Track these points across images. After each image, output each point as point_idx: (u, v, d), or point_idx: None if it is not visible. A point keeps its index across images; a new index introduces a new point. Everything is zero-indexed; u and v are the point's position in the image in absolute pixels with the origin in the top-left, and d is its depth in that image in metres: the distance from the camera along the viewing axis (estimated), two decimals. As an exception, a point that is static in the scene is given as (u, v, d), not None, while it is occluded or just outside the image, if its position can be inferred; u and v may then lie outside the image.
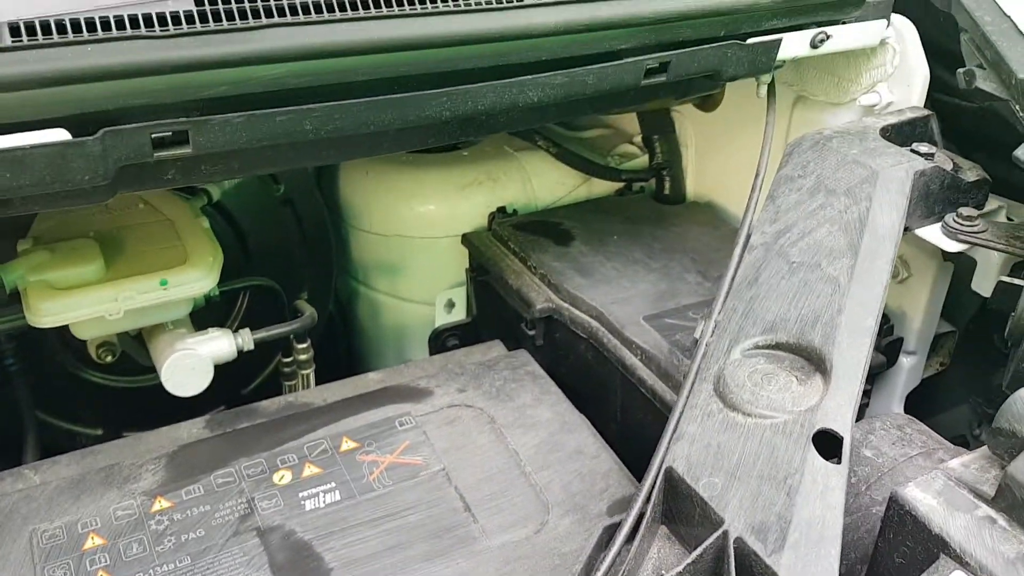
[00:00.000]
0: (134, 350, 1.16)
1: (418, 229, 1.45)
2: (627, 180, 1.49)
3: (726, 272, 0.89)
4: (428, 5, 0.81)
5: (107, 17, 0.70)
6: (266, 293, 1.33)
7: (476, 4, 0.82)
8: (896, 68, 1.11)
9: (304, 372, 1.27)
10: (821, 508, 0.68)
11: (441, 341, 1.41)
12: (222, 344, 1.06)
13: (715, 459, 0.74)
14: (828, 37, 1.02)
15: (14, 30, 0.68)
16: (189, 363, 1.02)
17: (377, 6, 0.79)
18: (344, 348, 1.65)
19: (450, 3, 0.81)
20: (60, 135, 0.69)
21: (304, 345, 1.25)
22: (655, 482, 0.75)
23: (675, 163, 1.49)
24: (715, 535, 0.69)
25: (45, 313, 0.95)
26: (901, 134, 1.04)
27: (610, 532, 0.78)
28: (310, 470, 0.99)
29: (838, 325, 0.80)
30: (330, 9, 0.76)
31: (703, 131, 1.47)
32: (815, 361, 0.79)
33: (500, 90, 0.84)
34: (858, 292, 0.82)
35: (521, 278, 1.28)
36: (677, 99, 1.04)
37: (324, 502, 0.96)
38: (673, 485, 0.74)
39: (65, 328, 1.25)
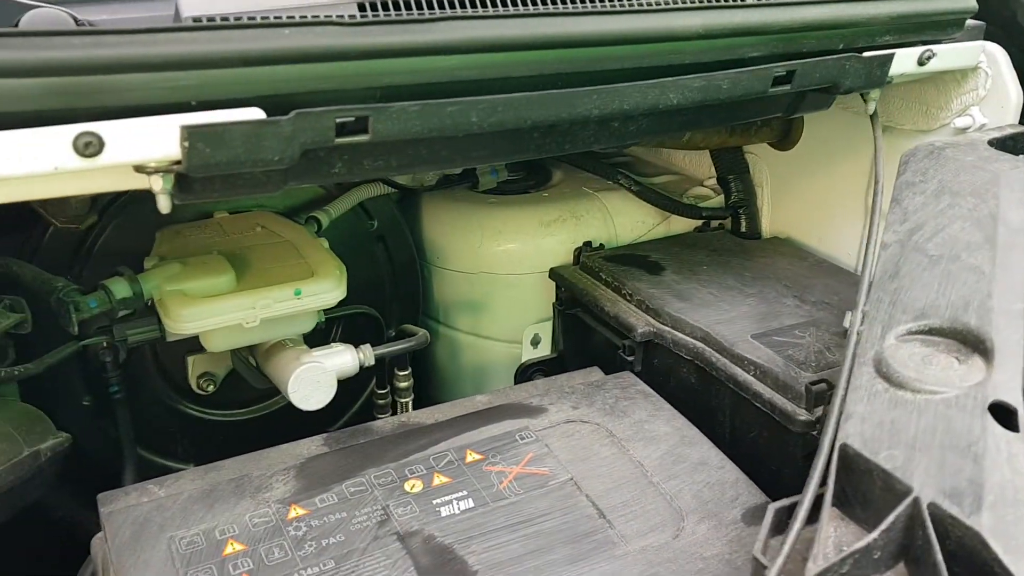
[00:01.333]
0: (246, 371, 1.16)
1: (503, 266, 1.47)
2: (706, 217, 1.52)
3: (863, 268, 0.90)
4: (588, 4, 0.85)
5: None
6: (363, 322, 1.34)
7: (630, 5, 0.86)
8: (988, 91, 1.16)
9: (403, 400, 1.27)
10: (1011, 473, 0.68)
11: (528, 376, 1.41)
12: (346, 359, 1.06)
13: (890, 434, 0.74)
14: (934, 55, 1.06)
15: (239, 18, 0.71)
16: (315, 376, 1.02)
17: (544, 3, 0.82)
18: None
19: (607, 3, 0.85)
20: (256, 113, 0.71)
21: (405, 372, 1.25)
22: (828, 461, 0.75)
23: (751, 201, 1.52)
24: (904, 503, 0.69)
25: (186, 320, 0.96)
26: (1006, 147, 1.08)
27: (781, 515, 0.77)
28: (439, 480, 0.99)
29: (991, 308, 0.81)
30: (503, 4, 0.80)
31: (777, 171, 1.51)
32: (972, 343, 0.80)
33: (644, 90, 0.87)
34: (1004, 278, 0.84)
35: (617, 306, 1.29)
36: (786, 115, 1.08)
37: (459, 509, 0.95)
38: (848, 462, 0.74)
39: (164, 358, 1.26)
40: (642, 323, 1.24)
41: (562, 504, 0.96)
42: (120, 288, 0.98)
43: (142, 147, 0.68)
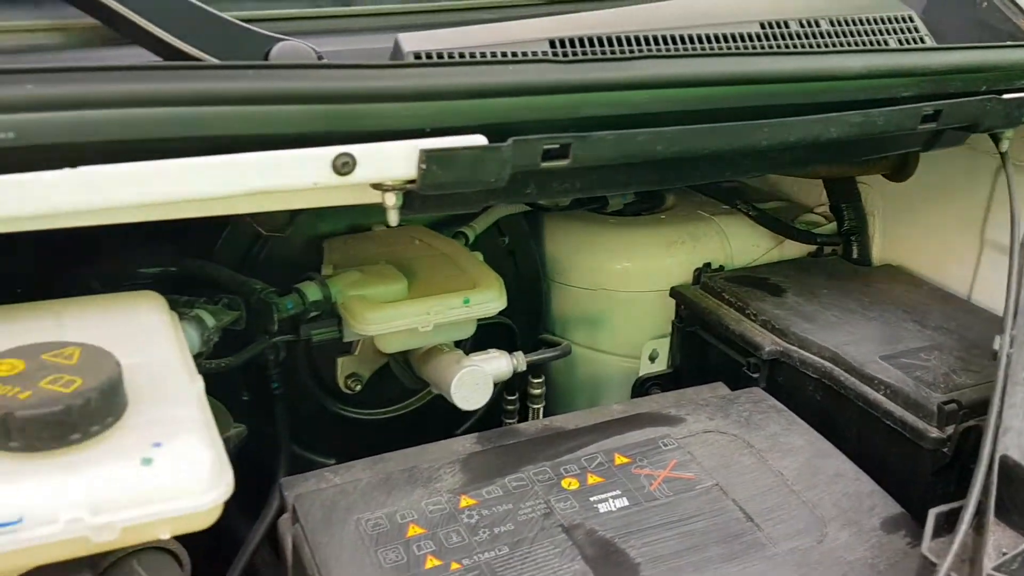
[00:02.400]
0: (402, 372, 1.25)
1: (623, 284, 1.54)
2: (820, 243, 1.59)
3: (1008, 291, 0.96)
4: (760, 44, 0.93)
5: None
6: (496, 332, 1.42)
7: (800, 47, 0.94)
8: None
9: (535, 406, 1.35)
10: None
11: (645, 390, 1.49)
12: (501, 363, 1.15)
13: (1048, 448, 0.80)
14: (1068, 98, 1.12)
15: (451, 53, 0.80)
16: (475, 379, 1.11)
17: (721, 42, 0.91)
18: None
19: (781, 44, 0.93)
20: (480, 140, 0.80)
21: (539, 380, 1.33)
22: (988, 471, 0.81)
23: (863, 229, 1.58)
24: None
25: (371, 322, 1.05)
26: None
27: (941, 519, 0.83)
28: (593, 479, 1.06)
29: None
30: (691, 43, 0.89)
31: (890, 200, 1.57)
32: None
33: (810, 124, 0.95)
34: None
35: (742, 325, 1.36)
36: (923, 150, 1.14)
37: (615, 506, 1.02)
38: (1008, 472, 0.80)
39: (315, 357, 1.35)
40: (768, 342, 1.31)
41: (710, 507, 1.03)
42: (312, 291, 1.08)
43: (386, 167, 0.78)
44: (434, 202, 0.85)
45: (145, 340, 0.75)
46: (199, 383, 0.74)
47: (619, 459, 1.10)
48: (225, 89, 0.74)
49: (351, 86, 0.77)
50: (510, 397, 1.40)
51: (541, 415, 1.37)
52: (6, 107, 0.64)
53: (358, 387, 1.34)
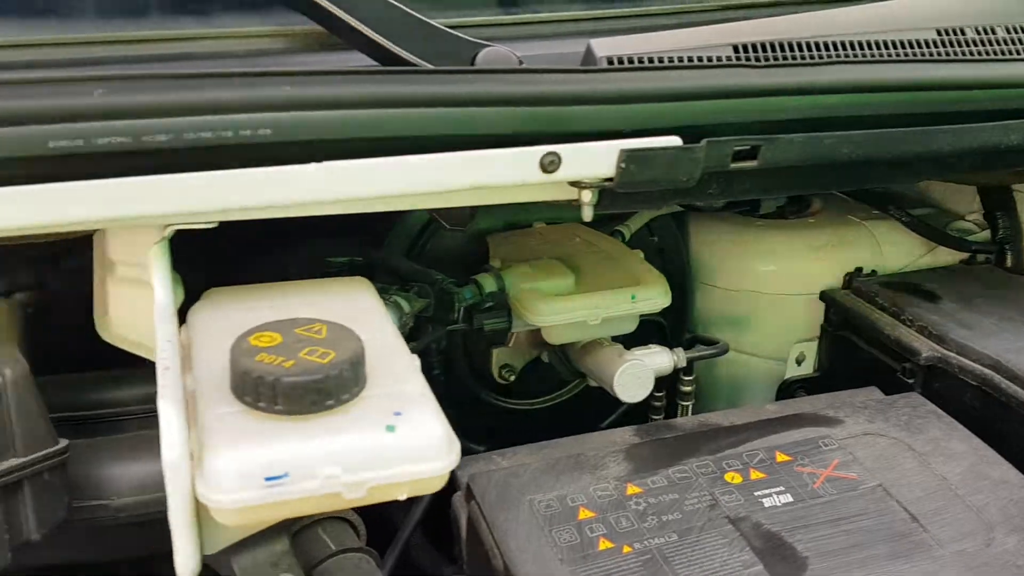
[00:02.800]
0: (560, 364, 1.30)
1: (770, 286, 1.55)
2: (974, 251, 1.57)
3: None
4: (937, 51, 0.94)
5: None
6: (648, 329, 1.45)
7: (976, 54, 0.95)
8: None
9: (685, 403, 1.37)
10: None
11: (791, 392, 1.50)
12: (663, 359, 1.18)
13: None
14: None
15: (641, 58, 0.84)
16: (637, 372, 1.15)
17: (900, 49, 0.92)
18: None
19: (957, 51, 0.94)
20: (675, 141, 0.84)
21: (690, 377, 1.36)
22: None
23: (1017, 238, 1.55)
24: None
25: (543, 314, 1.11)
26: None
27: None
28: (755, 475, 1.09)
29: None
30: (871, 48, 0.91)
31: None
32: None
33: (992, 131, 0.96)
34: None
35: (897, 330, 1.36)
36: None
37: (780, 502, 1.04)
38: None
39: (471, 348, 1.41)
40: (926, 348, 1.31)
41: (875, 507, 1.04)
42: (488, 283, 1.14)
43: (588, 166, 0.82)
44: (625, 200, 0.89)
45: (365, 321, 0.82)
46: (417, 361, 0.80)
47: (780, 456, 1.12)
48: (439, 93, 0.80)
49: (555, 90, 0.82)
50: (658, 394, 1.43)
51: (690, 412, 1.40)
52: (266, 106, 0.71)
53: (512, 377, 1.39)
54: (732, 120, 0.86)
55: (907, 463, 1.11)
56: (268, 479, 0.64)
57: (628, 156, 0.82)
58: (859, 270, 1.51)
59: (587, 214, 0.87)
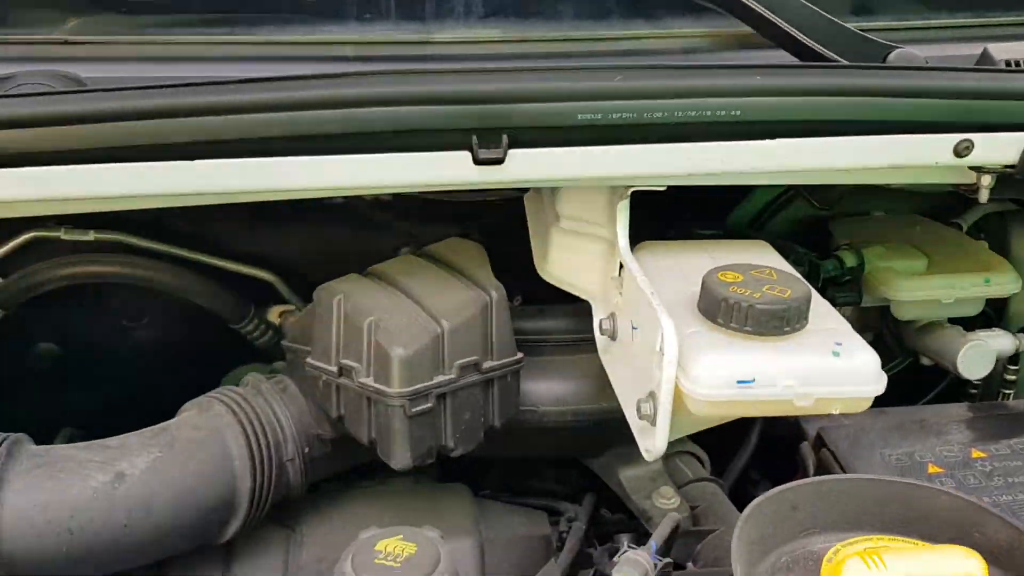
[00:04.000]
0: (892, 340, 1.41)
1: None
2: None
3: None
4: None
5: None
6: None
7: None
8: None
9: (1007, 391, 1.44)
10: None
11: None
12: (1006, 342, 1.28)
13: None
14: None
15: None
16: (981, 352, 1.25)
17: None
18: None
19: None
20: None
21: (1015, 367, 1.42)
22: None
23: None
24: None
25: (902, 290, 1.23)
26: None
27: None
28: (1103, 454, 1.16)
29: None
30: None
31: None
32: None
33: None
34: None
35: None
36: None
37: (1121, 478, 1.11)
38: None
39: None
40: None
41: None
42: (849, 259, 1.28)
43: (996, 153, 0.94)
44: (1017, 187, 1.00)
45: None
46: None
47: (1126, 441, 1.18)
48: (855, 84, 0.95)
49: (968, 85, 0.95)
50: (977, 380, 1.50)
51: (1011, 398, 1.47)
52: (737, 92, 0.89)
53: (837, 351, 1.51)
54: None
55: None
56: (739, 382, 0.81)
57: (1035, 148, 0.93)
58: None
59: (983, 196, 0.98)
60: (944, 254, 1.30)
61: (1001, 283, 1.24)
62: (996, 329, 1.30)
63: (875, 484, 0.81)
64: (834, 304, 1.24)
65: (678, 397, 0.84)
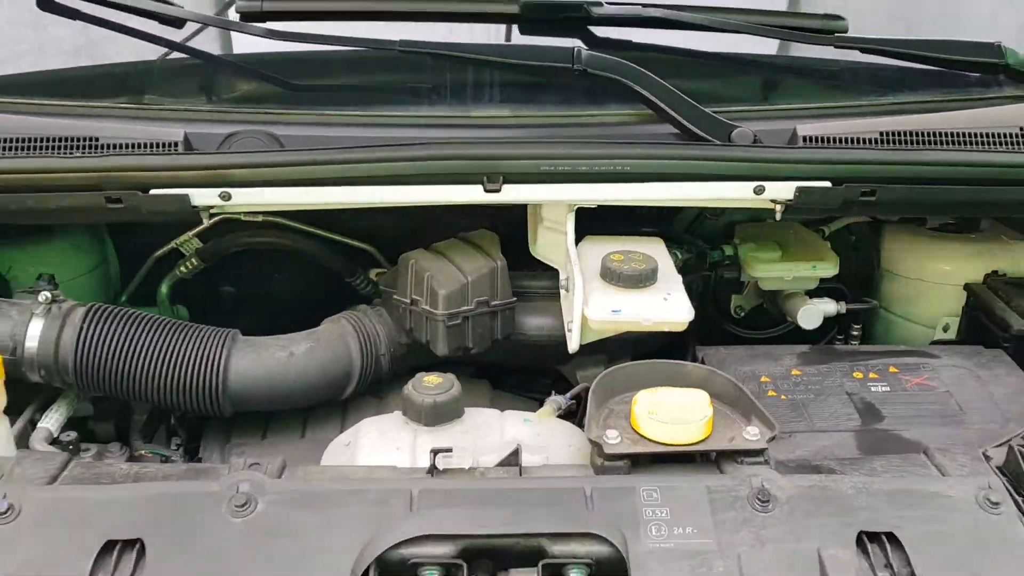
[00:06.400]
0: (770, 306, 2.14)
1: (935, 277, 2.26)
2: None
3: None
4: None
5: None
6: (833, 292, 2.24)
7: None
8: None
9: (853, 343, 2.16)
10: None
11: (936, 349, 2.22)
12: (830, 306, 2.00)
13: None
14: None
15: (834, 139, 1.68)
16: (812, 310, 1.99)
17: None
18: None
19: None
20: (827, 184, 1.67)
21: (859, 326, 2.14)
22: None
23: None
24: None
25: (759, 270, 1.98)
26: None
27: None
28: (872, 375, 1.87)
29: None
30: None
31: None
32: None
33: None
34: None
35: (1005, 312, 2.05)
36: None
37: (881, 389, 1.83)
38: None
39: (717, 292, 2.28)
40: (1016, 323, 1.99)
41: (939, 400, 1.79)
42: (729, 250, 2.01)
43: (781, 193, 1.67)
44: (800, 212, 1.73)
45: (660, 256, 1.72)
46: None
47: (891, 369, 1.89)
48: (700, 153, 1.68)
49: (764, 155, 1.68)
50: (839, 336, 2.22)
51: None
52: (629, 156, 1.64)
53: (742, 314, 2.25)
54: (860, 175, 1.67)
55: (971, 383, 1.84)
56: (612, 311, 1.57)
57: (800, 191, 1.65)
58: (995, 272, 2.19)
59: (778, 216, 1.71)
60: (796, 248, 2.03)
61: (824, 268, 1.97)
62: (826, 298, 2.02)
63: (667, 364, 1.55)
64: (720, 276, 1.99)
65: (584, 321, 1.61)
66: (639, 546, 1.25)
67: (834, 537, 1.26)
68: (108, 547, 1.24)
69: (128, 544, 1.25)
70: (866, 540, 1.27)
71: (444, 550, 1.24)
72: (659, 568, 1.22)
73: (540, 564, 1.23)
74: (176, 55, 2.07)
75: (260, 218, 2.08)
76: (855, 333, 2.17)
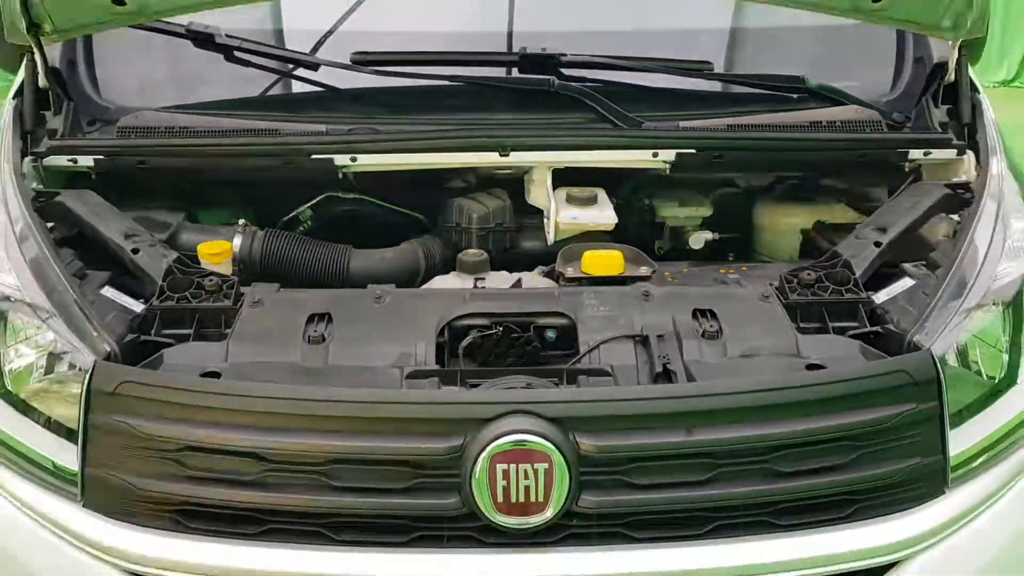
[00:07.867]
0: (676, 240, 3.42)
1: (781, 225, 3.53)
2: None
3: None
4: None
5: None
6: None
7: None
8: None
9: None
10: None
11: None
12: (707, 235, 3.27)
13: None
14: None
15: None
16: (697, 238, 3.26)
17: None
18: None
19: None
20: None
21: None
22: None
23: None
24: None
25: (666, 210, 3.26)
26: None
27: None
28: (730, 272, 3.13)
29: None
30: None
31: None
32: None
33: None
34: None
35: (822, 243, 3.32)
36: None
37: (734, 275, 3.08)
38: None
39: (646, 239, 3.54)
40: (823, 245, 3.26)
41: (766, 276, 3.03)
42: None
43: (668, 157, 2.96)
44: (685, 169, 3.02)
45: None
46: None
47: (743, 268, 3.14)
48: (618, 133, 2.98)
49: (660, 133, 2.99)
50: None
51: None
52: (579, 144, 2.94)
53: (662, 252, 3.51)
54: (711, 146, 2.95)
55: (784, 269, 3.07)
56: (572, 217, 2.84)
57: (678, 155, 2.94)
58: (820, 222, 3.46)
59: (667, 171, 2.98)
60: (687, 201, 3.31)
61: (703, 210, 3.25)
62: (707, 231, 3.30)
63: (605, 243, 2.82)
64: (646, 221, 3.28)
65: (556, 224, 2.88)
66: (583, 314, 2.49)
67: (681, 311, 2.51)
68: (311, 317, 2.48)
69: (321, 315, 2.49)
70: (697, 313, 2.51)
71: (482, 321, 2.48)
72: (593, 324, 2.47)
73: (532, 327, 2.47)
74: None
75: (351, 196, 3.34)
76: (730, 260, 3.43)
